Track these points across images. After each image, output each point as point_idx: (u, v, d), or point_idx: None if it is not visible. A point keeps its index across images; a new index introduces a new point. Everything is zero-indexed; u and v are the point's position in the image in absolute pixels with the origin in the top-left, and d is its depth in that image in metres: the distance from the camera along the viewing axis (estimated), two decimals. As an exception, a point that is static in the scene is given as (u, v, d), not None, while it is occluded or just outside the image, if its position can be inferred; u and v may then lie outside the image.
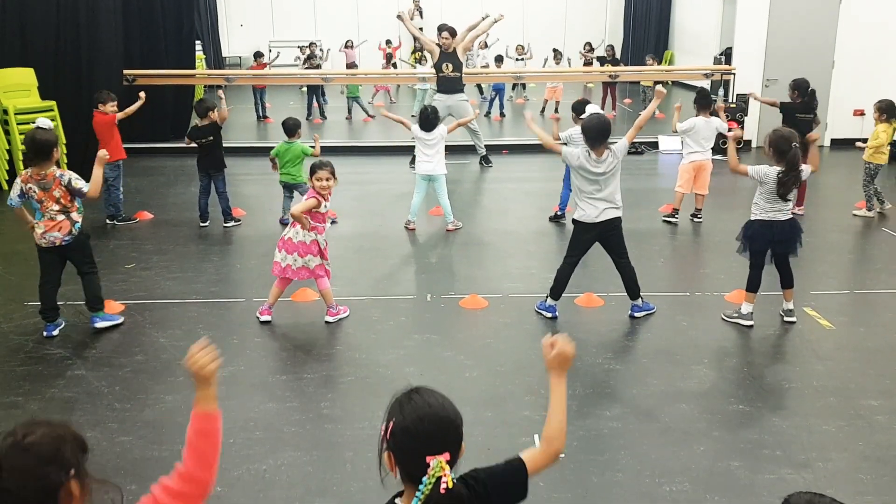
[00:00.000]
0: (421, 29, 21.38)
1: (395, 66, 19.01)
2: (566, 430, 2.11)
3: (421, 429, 1.83)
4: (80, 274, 5.51)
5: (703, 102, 8.12)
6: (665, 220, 8.20)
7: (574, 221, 5.71)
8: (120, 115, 8.02)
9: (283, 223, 7.76)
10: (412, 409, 1.87)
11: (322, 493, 3.71)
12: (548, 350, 2.16)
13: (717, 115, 8.21)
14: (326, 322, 5.69)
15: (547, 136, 5.87)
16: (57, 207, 5.26)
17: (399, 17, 11.39)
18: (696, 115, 8.08)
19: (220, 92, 8.43)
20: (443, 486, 1.77)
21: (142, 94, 8.48)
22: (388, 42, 19.40)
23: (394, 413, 1.89)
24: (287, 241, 5.63)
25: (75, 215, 5.35)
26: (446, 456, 1.81)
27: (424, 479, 1.78)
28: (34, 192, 5.25)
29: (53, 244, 5.31)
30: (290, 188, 8.09)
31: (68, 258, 5.45)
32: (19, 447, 1.68)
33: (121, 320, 5.68)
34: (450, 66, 10.44)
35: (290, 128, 8.01)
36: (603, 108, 15.09)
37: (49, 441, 1.71)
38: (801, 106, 8.34)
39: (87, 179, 5.37)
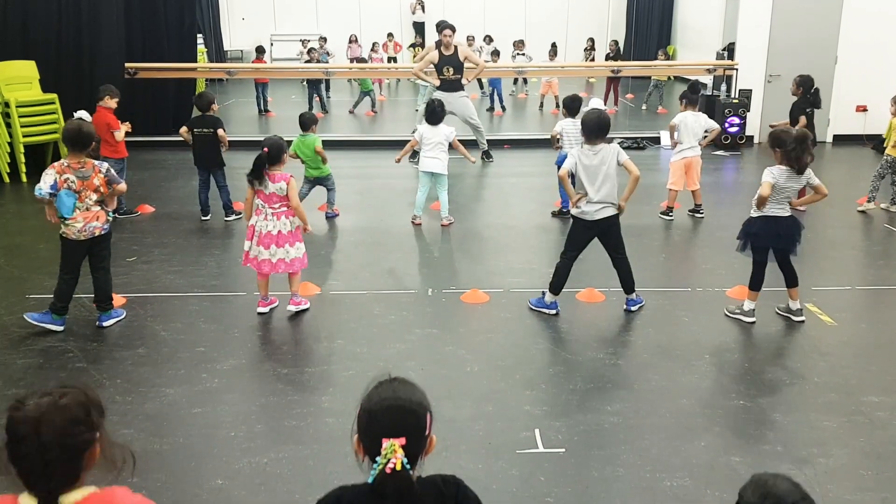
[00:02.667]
0: (422, 24, 21.43)
1: (395, 60, 19.02)
2: None
3: (381, 415, 1.91)
4: (95, 269, 5.48)
5: (692, 98, 8.15)
6: (661, 216, 8.20)
7: (574, 218, 5.73)
8: (119, 137, 8.02)
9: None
10: (378, 395, 1.95)
11: (323, 486, 3.68)
12: None
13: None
14: (289, 311, 5.70)
15: (570, 189, 5.76)
16: (95, 197, 5.27)
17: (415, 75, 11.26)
18: (684, 111, 8.10)
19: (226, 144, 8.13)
20: (390, 465, 1.83)
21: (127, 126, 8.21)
22: (391, 35, 19.41)
23: (364, 398, 1.97)
24: (250, 228, 5.63)
25: (107, 205, 5.39)
26: (402, 440, 1.85)
27: (378, 458, 1.85)
28: (72, 182, 5.18)
29: (93, 234, 5.31)
30: (315, 182, 8.07)
31: (93, 250, 5.43)
32: (57, 406, 1.82)
33: (123, 314, 5.68)
34: (451, 69, 10.41)
35: (306, 122, 7.96)
36: (605, 104, 15.10)
37: (79, 403, 1.86)
38: (804, 103, 8.36)
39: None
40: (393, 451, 1.83)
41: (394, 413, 1.91)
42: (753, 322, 5.54)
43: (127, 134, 8.06)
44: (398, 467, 1.82)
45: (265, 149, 5.49)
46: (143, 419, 4.32)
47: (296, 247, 5.64)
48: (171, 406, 4.47)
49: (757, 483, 1.90)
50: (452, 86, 10.49)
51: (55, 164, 5.27)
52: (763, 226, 5.39)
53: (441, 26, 10.55)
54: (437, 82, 10.55)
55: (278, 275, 5.74)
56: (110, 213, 5.45)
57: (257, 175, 5.51)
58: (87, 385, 1.95)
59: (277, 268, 5.60)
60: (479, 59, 11.26)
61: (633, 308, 5.76)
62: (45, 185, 5.14)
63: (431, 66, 10.56)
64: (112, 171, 5.41)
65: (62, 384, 1.90)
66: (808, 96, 8.39)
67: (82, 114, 5.61)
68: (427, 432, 1.95)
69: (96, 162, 5.31)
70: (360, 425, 1.94)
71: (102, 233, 5.38)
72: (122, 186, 5.51)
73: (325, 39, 18.16)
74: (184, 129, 8.17)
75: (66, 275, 5.41)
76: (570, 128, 7.86)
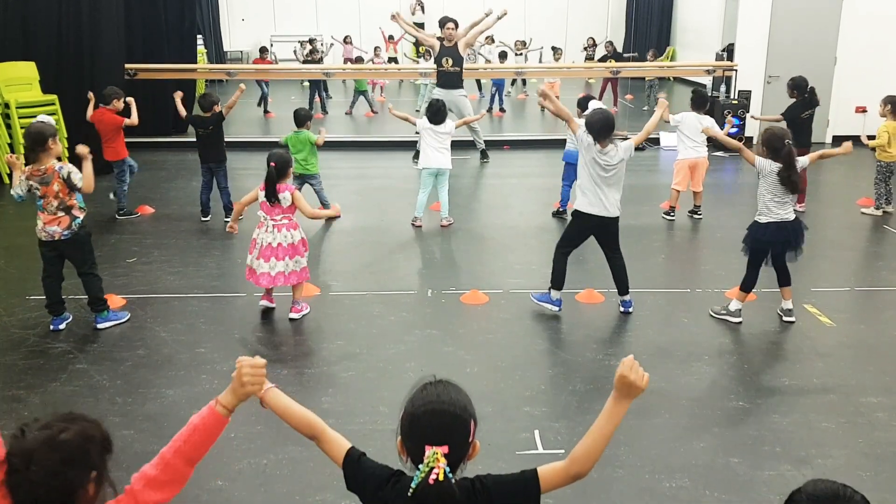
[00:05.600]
0: (421, 25, 21.43)
1: (395, 60, 19.00)
2: (598, 457, 2.01)
3: (425, 419, 1.89)
4: (79, 274, 5.48)
5: (699, 102, 8.16)
6: (664, 217, 8.21)
7: (574, 212, 5.72)
8: (128, 122, 8.11)
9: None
10: (423, 398, 1.93)
11: (322, 487, 3.72)
12: (623, 372, 2.08)
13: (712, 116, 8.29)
14: (291, 319, 5.68)
15: (566, 110, 5.64)
16: (56, 203, 5.23)
17: (394, 17, 11.25)
18: (689, 111, 8.13)
19: (243, 86, 8.37)
20: (432, 476, 1.81)
21: (130, 100, 8.36)
22: (391, 37, 19.39)
23: (408, 400, 1.95)
24: (252, 241, 5.62)
25: (76, 211, 5.33)
26: (444, 449, 1.84)
27: (420, 465, 1.83)
28: (36, 188, 5.24)
29: (52, 238, 5.30)
30: (302, 179, 8.04)
31: (66, 255, 5.42)
32: (52, 443, 1.74)
33: (127, 317, 5.66)
34: (450, 60, 10.42)
35: (301, 118, 8.00)
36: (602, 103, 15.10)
37: (80, 442, 1.77)
38: (800, 106, 8.34)
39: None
40: (436, 461, 1.82)
41: (437, 419, 1.88)
42: (740, 322, 5.55)
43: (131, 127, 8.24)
44: (441, 477, 1.80)
45: (272, 163, 5.46)
46: (143, 420, 4.33)
47: (295, 260, 5.61)
48: (171, 407, 4.47)
49: (812, 486, 1.86)
50: (451, 81, 10.48)
51: (25, 168, 5.32)
52: (775, 232, 5.37)
53: (444, 21, 10.56)
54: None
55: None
56: (77, 220, 5.33)
57: (272, 193, 5.49)
58: (96, 420, 1.87)
59: (276, 281, 5.57)
60: (477, 28, 11.05)
61: (630, 310, 5.76)
62: (21, 190, 5.26)
63: (430, 56, 10.55)
64: (73, 174, 5.25)
65: (70, 414, 1.83)
66: (804, 97, 8.37)
67: (41, 118, 5.65)
68: (471, 438, 1.93)
69: (58, 166, 5.24)
70: (403, 429, 1.93)
71: (63, 238, 5.29)
72: (84, 188, 5.27)
73: (311, 42, 18.08)
74: (180, 97, 8.35)
75: (45, 275, 5.46)
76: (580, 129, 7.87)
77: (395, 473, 1.98)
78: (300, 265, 5.65)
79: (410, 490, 1.83)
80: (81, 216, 5.38)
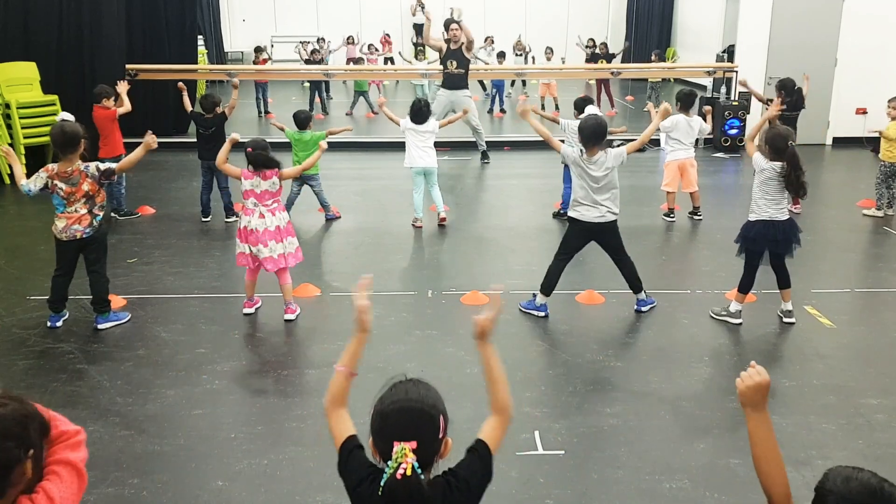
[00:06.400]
0: (421, 26, 21.45)
1: (392, 61, 19.04)
2: (508, 393, 2.27)
3: (393, 416, 1.90)
4: (88, 272, 5.50)
5: (686, 102, 8.19)
6: (664, 217, 8.22)
7: (570, 220, 5.74)
8: (121, 111, 8.06)
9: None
10: (392, 396, 1.95)
11: (323, 488, 3.72)
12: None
13: (704, 118, 8.30)
14: (287, 321, 5.66)
15: (546, 131, 5.81)
16: (84, 200, 5.26)
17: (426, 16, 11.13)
18: (679, 113, 8.14)
19: (236, 80, 8.45)
20: (400, 471, 1.82)
21: (121, 87, 8.38)
22: (388, 36, 19.47)
23: (378, 399, 1.97)
24: (243, 230, 5.63)
25: (96, 209, 5.36)
26: (413, 444, 1.84)
27: (389, 462, 1.84)
28: (60, 189, 5.22)
29: (74, 237, 5.32)
30: (302, 180, 8.03)
31: (83, 253, 5.45)
32: None
33: (127, 318, 5.66)
34: (454, 62, 10.45)
35: (302, 120, 8.01)
36: (599, 105, 15.10)
37: (18, 417, 1.76)
38: (786, 105, 8.35)
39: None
40: (403, 456, 1.82)
41: (405, 416, 1.89)
42: (740, 323, 5.55)
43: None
44: (408, 472, 1.81)
45: (249, 149, 5.59)
46: (143, 420, 4.33)
47: (288, 241, 5.68)
48: (171, 407, 4.47)
49: (837, 472, 1.81)
50: (455, 82, 10.51)
51: (49, 166, 5.30)
52: (762, 230, 5.39)
53: (448, 23, 10.60)
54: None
55: (266, 277, 5.75)
56: (98, 217, 5.38)
57: (266, 162, 5.59)
58: (32, 404, 1.85)
59: (279, 263, 5.61)
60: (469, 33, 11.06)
61: (643, 308, 5.76)
62: (35, 186, 5.20)
63: (437, 57, 10.54)
64: (101, 165, 5.34)
65: (7, 394, 1.81)
66: (790, 98, 8.39)
67: (65, 115, 5.63)
68: (441, 435, 1.93)
69: (83, 166, 5.26)
70: (373, 427, 1.93)
71: (84, 237, 5.34)
72: (118, 168, 5.52)
73: (320, 41, 18.17)
74: (184, 90, 8.31)
75: (57, 272, 5.47)
76: (575, 125, 7.88)
77: (372, 472, 1.99)
78: (293, 245, 5.72)
79: (380, 488, 1.84)
80: (101, 213, 5.42)
